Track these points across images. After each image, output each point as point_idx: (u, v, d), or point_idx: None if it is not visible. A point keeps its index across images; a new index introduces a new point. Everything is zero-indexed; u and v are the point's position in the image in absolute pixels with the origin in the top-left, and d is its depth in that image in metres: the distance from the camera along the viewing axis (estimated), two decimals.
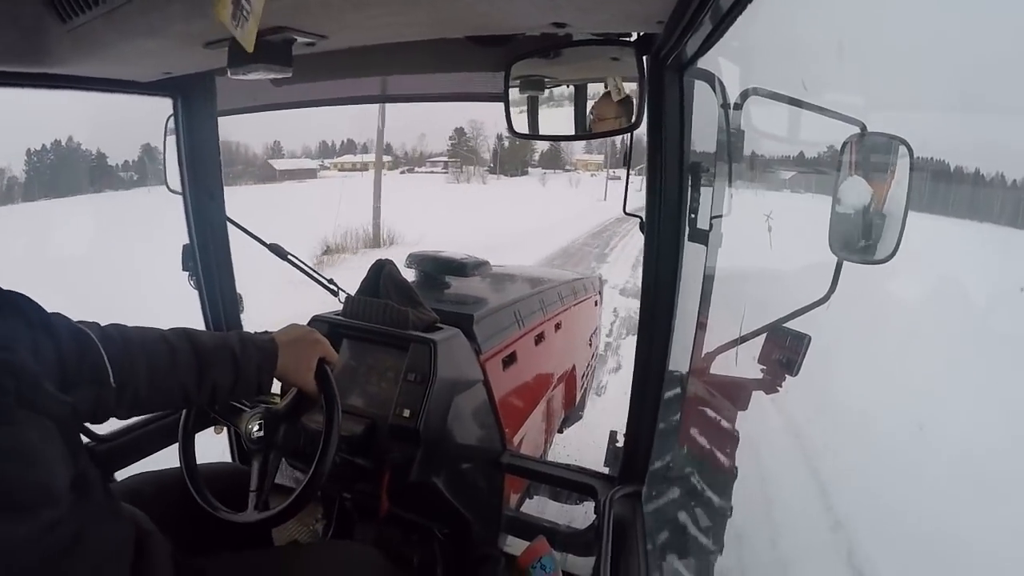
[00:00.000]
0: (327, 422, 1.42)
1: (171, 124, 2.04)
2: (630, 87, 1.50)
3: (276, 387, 1.51)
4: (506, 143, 78.48)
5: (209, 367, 1.27)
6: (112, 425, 1.82)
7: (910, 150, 1.47)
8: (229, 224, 2.16)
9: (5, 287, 0.96)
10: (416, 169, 77.27)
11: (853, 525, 3.79)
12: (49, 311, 1.05)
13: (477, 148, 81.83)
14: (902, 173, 1.49)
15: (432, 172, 72.33)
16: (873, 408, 5.20)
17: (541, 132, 1.67)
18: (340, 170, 72.88)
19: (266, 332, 1.42)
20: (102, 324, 1.18)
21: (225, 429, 2.09)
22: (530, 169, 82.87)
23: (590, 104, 1.59)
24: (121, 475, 1.83)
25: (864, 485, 4.27)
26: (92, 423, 1.19)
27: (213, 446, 1.94)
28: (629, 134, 1.55)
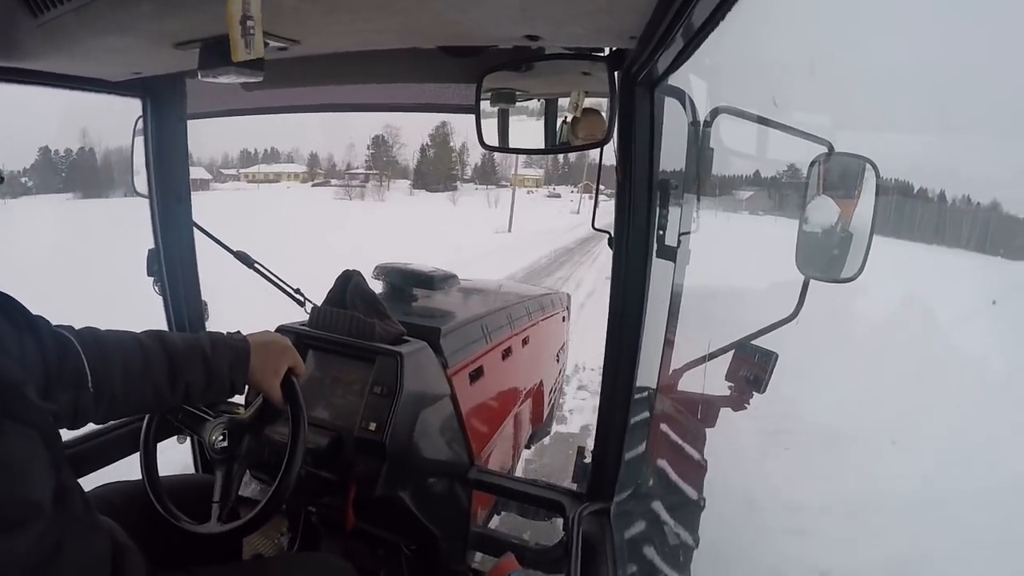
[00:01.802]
0: (293, 434, 1.40)
1: (139, 126, 2.00)
2: (597, 102, 1.51)
3: (240, 398, 1.50)
4: (430, 153, 76.28)
5: (181, 368, 1.26)
6: (73, 432, 1.79)
7: (876, 170, 1.49)
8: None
9: None
10: (331, 182, 71.84)
11: (827, 541, 3.82)
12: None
13: (397, 159, 78.00)
14: (868, 193, 1.51)
15: (348, 185, 67.00)
16: (845, 424, 5.26)
17: (511, 145, 1.67)
18: (250, 181, 69.10)
19: (238, 332, 1.41)
20: (75, 327, 1.17)
21: (188, 439, 2.06)
22: (460, 184, 78.21)
23: (560, 118, 1.59)
24: (85, 483, 1.80)
25: (838, 499, 4.31)
26: (71, 428, 1.16)
27: (178, 455, 1.90)
28: (599, 149, 1.56)
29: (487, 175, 79.73)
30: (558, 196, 65.79)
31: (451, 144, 77.95)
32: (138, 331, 1.28)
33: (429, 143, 77.33)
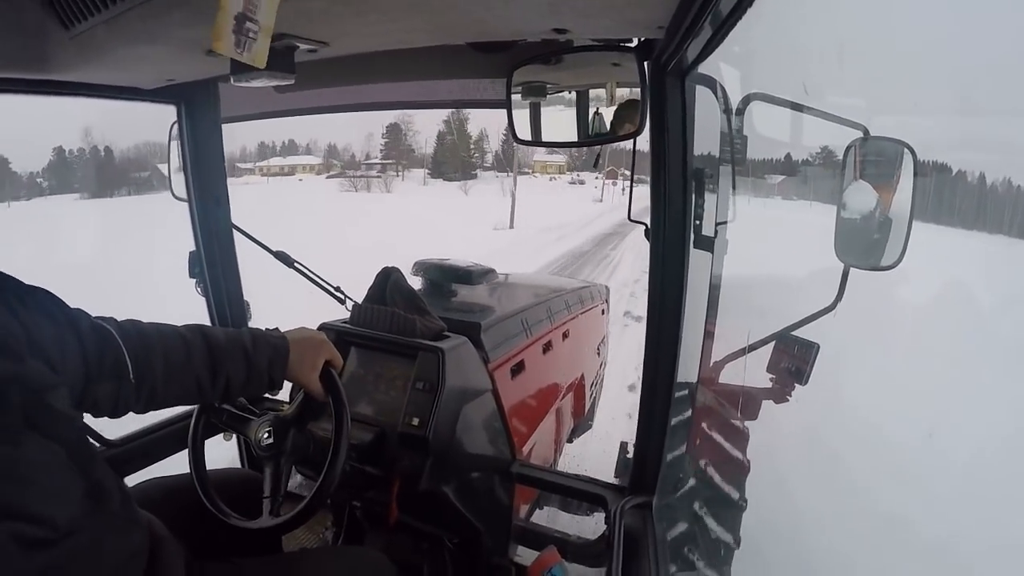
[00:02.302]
0: (336, 426, 1.42)
1: (175, 131, 2.05)
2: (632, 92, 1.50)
3: (284, 394, 1.54)
4: (447, 140, 72.61)
5: (222, 362, 1.29)
6: (122, 430, 1.83)
7: (914, 154, 1.46)
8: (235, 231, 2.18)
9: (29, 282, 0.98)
10: (347, 173, 68.21)
11: (864, 533, 3.76)
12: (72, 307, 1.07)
13: (412, 147, 74.26)
14: (906, 177, 1.48)
15: (357, 176, 64.80)
16: (882, 415, 5.16)
17: (544, 138, 1.67)
18: (264, 175, 67.70)
19: (276, 329, 1.44)
20: (118, 319, 1.20)
21: (234, 436, 2.10)
22: (480, 172, 73.19)
23: (592, 110, 1.58)
24: (130, 480, 1.84)
25: (875, 493, 4.24)
26: (112, 417, 1.19)
27: (223, 452, 1.93)
28: (633, 140, 1.55)
29: (508, 162, 72.73)
30: (582, 183, 63.92)
31: (468, 131, 74.93)
32: (179, 325, 1.31)
33: (444, 130, 74.44)
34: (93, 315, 1.15)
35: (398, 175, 67.01)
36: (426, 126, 73.29)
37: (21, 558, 0.75)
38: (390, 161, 70.24)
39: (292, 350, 1.39)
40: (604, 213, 33.53)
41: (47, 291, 1.00)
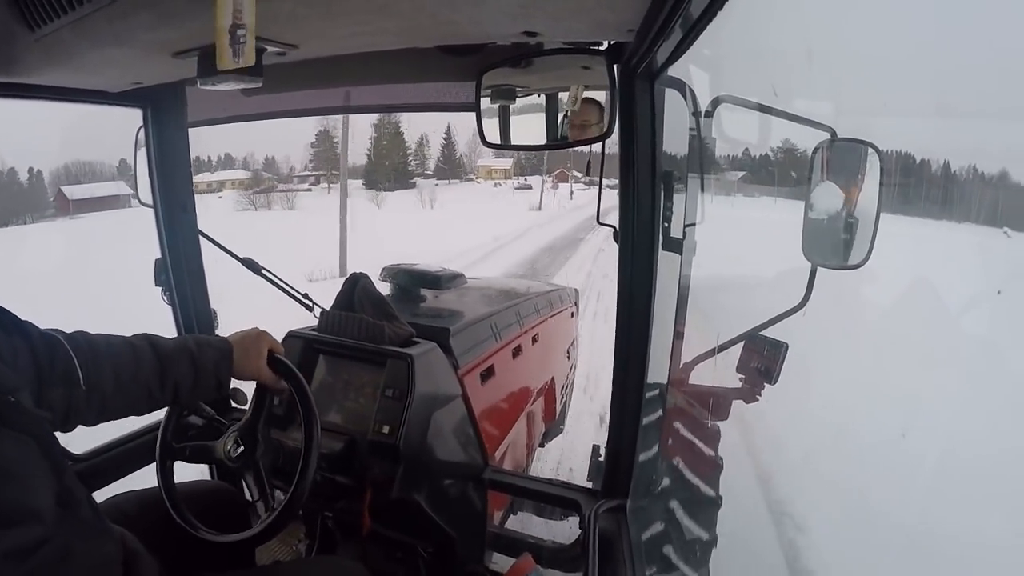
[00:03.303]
0: (306, 430, 1.43)
1: (141, 136, 2.01)
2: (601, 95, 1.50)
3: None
4: (382, 147, 67.74)
5: (170, 367, 1.31)
6: (89, 443, 1.80)
7: (880, 154, 1.48)
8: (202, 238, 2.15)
9: None
10: (277, 187, 61.35)
11: (837, 535, 3.80)
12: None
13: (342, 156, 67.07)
14: (872, 177, 1.50)
15: (294, 190, 57.67)
16: (853, 416, 5.22)
17: (513, 141, 1.67)
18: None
19: (216, 335, 1.52)
20: (64, 330, 1.21)
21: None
22: (420, 180, 67.58)
23: (561, 113, 1.59)
24: (99, 496, 1.81)
25: (847, 495, 4.29)
26: (63, 430, 1.18)
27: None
28: (601, 143, 1.55)
29: (449, 168, 73.09)
30: (529, 187, 58.74)
31: (404, 137, 70.29)
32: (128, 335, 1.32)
33: (374, 135, 69.07)
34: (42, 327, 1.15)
35: (329, 187, 60.12)
36: (363, 132, 69.08)
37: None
38: (321, 172, 66.64)
39: (235, 348, 1.42)
40: (532, 229, 25.72)
41: None
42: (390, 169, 67.54)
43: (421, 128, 73.16)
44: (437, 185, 64.96)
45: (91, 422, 1.23)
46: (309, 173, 68.35)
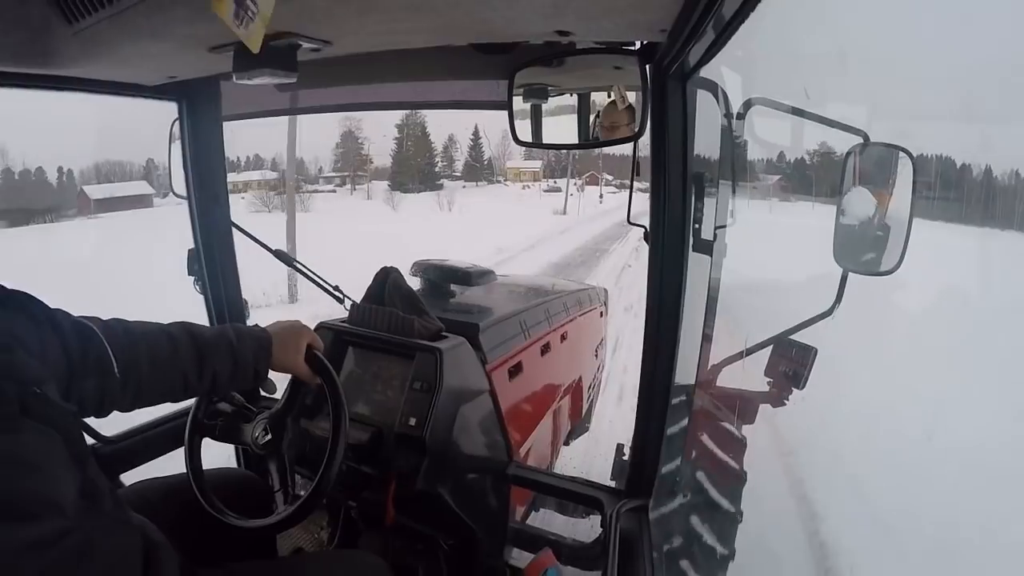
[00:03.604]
0: (334, 412, 1.44)
1: (176, 129, 2.05)
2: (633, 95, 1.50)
3: (278, 393, 1.55)
4: (407, 148, 64.99)
5: (208, 356, 1.31)
6: (117, 427, 1.82)
7: (912, 159, 1.47)
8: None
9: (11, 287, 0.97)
10: (304, 187, 55.24)
11: (862, 536, 3.76)
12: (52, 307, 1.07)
13: (371, 157, 64.15)
14: (904, 183, 1.49)
15: (320, 191, 55.78)
16: (881, 418, 5.16)
17: (544, 140, 1.67)
18: None
19: (257, 325, 1.47)
20: (102, 318, 1.21)
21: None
22: (448, 182, 65.27)
23: (593, 113, 1.59)
24: (126, 478, 1.85)
25: (874, 496, 4.24)
26: (97, 415, 1.20)
27: (222, 448, 1.93)
28: (634, 143, 1.55)
29: (477, 170, 69.64)
30: (558, 190, 54.55)
31: (429, 137, 67.60)
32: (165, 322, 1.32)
33: (398, 135, 66.39)
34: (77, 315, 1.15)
35: (352, 188, 61.35)
36: (388, 132, 66.84)
37: (19, 556, 0.74)
38: (346, 173, 64.24)
39: (274, 340, 1.41)
40: (549, 238, 23.34)
41: (27, 293, 1.01)
42: (414, 171, 65.15)
43: (449, 128, 71.33)
44: (464, 187, 63.17)
45: (126, 408, 1.24)
46: (334, 174, 65.60)
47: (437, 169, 67.82)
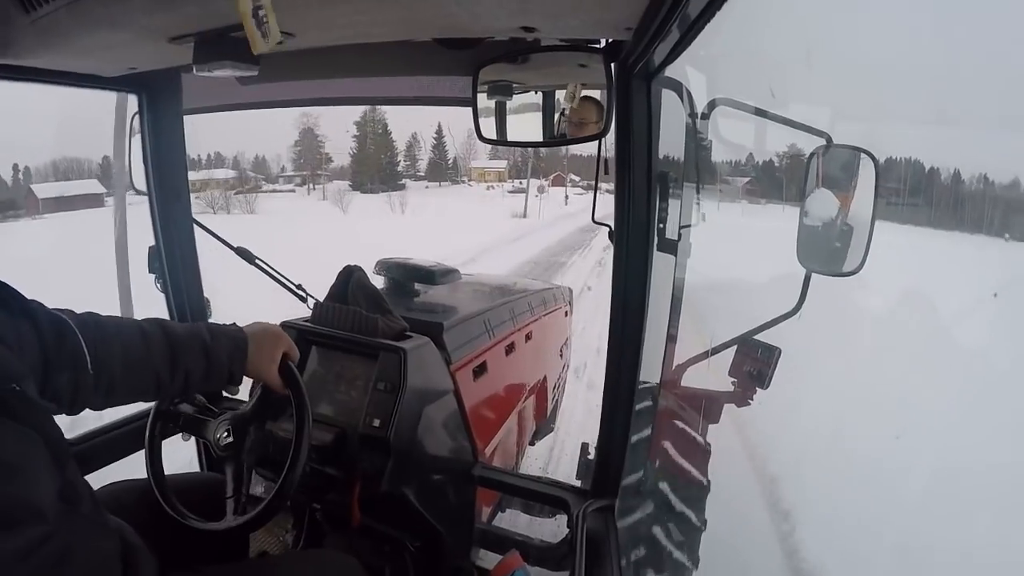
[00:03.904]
0: (298, 423, 1.41)
1: (136, 123, 2.01)
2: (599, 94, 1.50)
3: (243, 394, 1.54)
4: (370, 146, 63.64)
5: (181, 356, 1.27)
6: (80, 428, 1.78)
7: (875, 161, 1.48)
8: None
9: None
10: (262, 187, 56.80)
11: (827, 538, 3.81)
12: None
13: (331, 155, 62.91)
14: (867, 185, 1.50)
15: (276, 191, 55.84)
16: (848, 419, 5.24)
17: (509, 138, 1.66)
18: None
19: (234, 324, 1.43)
20: (76, 311, 1.18)
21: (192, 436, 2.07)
22: (410, 181, 64.00)
23: (558, 111, 1.59)
24: (90, 479, 1.81)
25: (841, 497, 4.30)
26: (70, 412, 1.16)
27: (186, 452, 1.90)
28: (598, 142, 1.55)
29: (441, 170, 67.97)
30: (524, 191, 51.18)
31: (390, 134, 65.90)
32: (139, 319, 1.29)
33: (357, 133, 64.74)
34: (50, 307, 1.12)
35: (311, 188, 59.75)
36: (348, 129, 65.17)
37: (2, 565, 0.72)
38: (305, 172, 62.82)
39: (250, 343, 1.38)
40: (497, 247, 20.02)
41: (2, 282, 0.98)
42: (375, 170, 63.56)
43: (412, 126, 69.72)
44: (428, 187, 62.11)
45: (98, 406, 1.21)
46: (294, 174, 64.23)
47: (400, 168, 66.52)
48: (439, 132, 68.73)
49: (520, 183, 58.99)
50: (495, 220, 31.87)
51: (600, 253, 16.80)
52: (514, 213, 38.11)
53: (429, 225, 27.96)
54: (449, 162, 69.85)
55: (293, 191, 59.02)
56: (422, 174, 68.53)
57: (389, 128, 66.12)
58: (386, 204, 44.86)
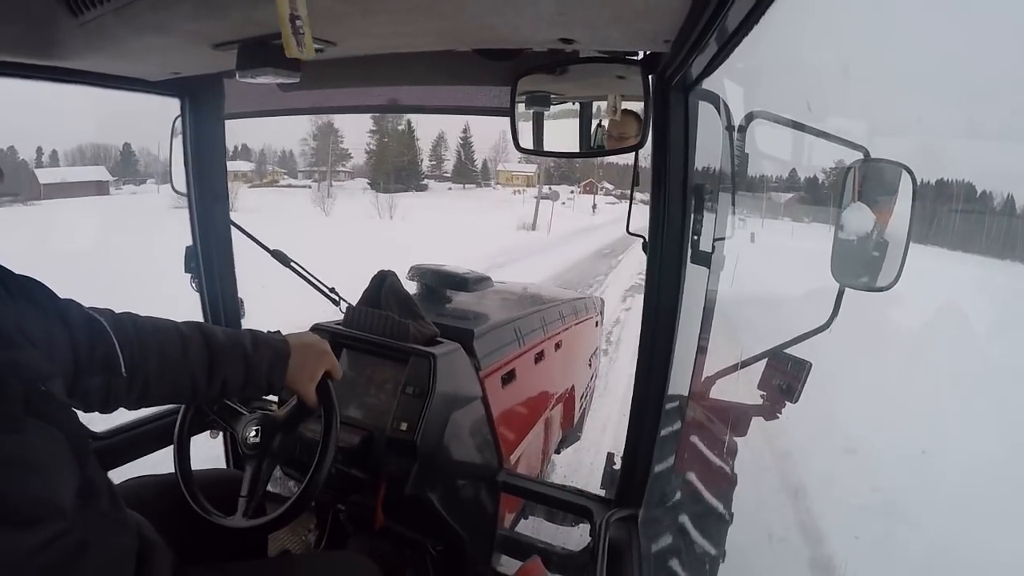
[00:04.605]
0: (325, 432, 1.41)
1: (178, 125, 2.05)
2: (636, 105, 1.50)
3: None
4: (390, 145, 62.62)
5: (220, 363, 1.26)
6: (108, 423, 1.82)
7: (912, 176, 1.47)
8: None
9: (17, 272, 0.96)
10: (280, 181, 60.71)
11: (856, 554, 3.76)
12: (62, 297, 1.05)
13: (350, 152, 63.58)
14: (904, 199, 1.49)
15: (292, 186, 58.08)
16: (875, 433, 5.17)
17: (546, 148, 1.67)
18: None
19: (278, 332, 1.42)
20: (115, 311, 1.19)
21: (221, 434, 2.10)
22: (433, 182, 64.34)
23: (595, 122, 1.59)
24: (114, 475, 1.84)
25: (868, 510, 4.24)
26: (102, 412, 1.17)
27: (210, 449, 1.92)
28: (634, 154, 1.55)
29: (467, 172, 67.65)
30: (557, 197, 47.51)
31: (413, 132, 65.30)
32: (179, 321, 1.28)
33: (373, 127, 64.79)
34: (87, 306, 1.13)
35: (330, 185, 57.24)
36: (347, 125, 64.03)
37: (21, 561, 0.74)
38: (323, 169, 61.29)
39: (293, 355, 1.36)
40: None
41: (36, 281, 0.99)
42: (393, 169, 62.94)
43: (441, 126, 69.27)
44: (451, 189, 61.50)
45: (132, 407, 1.21)
46: (311, 169, 63.86)
47: (421, 170, 65.59)
48: (466, 131, 68.77)
49: (550, 188, 56.13)
50: (495, 232, 26.97)
51: (625, 300, 12.26)
52: (522, 224, 33.51)
53: (416, 235, 24.35)
54: (477, 164, 69.26)
55: (308, 187, 58.44)
56: (447, 175, 68.15)
57: (413, 126, 65.29)
58: (372, 207, 42.59)
